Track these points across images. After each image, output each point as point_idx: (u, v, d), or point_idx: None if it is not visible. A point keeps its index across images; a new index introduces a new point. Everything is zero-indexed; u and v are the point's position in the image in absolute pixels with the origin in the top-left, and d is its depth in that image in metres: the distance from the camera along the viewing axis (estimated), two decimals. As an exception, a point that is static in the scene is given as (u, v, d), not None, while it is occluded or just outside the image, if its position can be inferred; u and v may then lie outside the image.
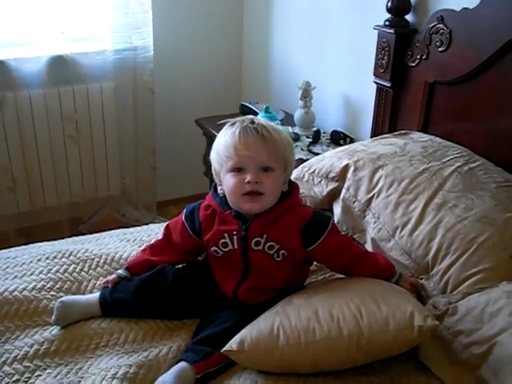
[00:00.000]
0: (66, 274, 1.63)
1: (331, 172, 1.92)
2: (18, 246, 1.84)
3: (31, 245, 1.83)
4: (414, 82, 2.16)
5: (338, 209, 1.89)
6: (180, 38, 3.17)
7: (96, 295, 1.52)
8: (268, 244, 1.45)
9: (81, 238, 1.90)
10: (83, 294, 1.57)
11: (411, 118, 2.20)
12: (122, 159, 3.14)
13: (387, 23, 2.18)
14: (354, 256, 1.49)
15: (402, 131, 2.10)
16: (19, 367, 1.32)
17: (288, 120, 2.77)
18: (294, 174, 1.94)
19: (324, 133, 2.66)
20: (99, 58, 2.89)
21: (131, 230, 1.94)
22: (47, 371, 1.32)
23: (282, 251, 1.45)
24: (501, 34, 1.79)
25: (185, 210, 1.58)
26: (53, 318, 1.44)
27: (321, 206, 1.92)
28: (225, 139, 1.43)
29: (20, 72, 2.72)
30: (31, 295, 1.52)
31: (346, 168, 1.89)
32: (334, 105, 2.73)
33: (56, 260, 1.68)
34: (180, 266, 1.60)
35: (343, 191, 1.87)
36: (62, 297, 1.53)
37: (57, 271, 1.63)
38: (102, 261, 1.69)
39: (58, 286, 1.58)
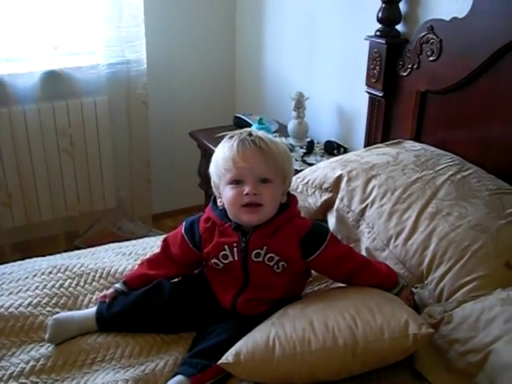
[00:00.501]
0: (62, 289, 1.62)
1: (325, 183, 1.93)
2: (14, 261, 1.84)
3: (27, 260, 1.83)
4: (405, 92, 2.18)
5: (332, 219, 1.89)
6: (173, 51, 3.18)
7: (92, 310, 1.51)
8: (268, 255, 1.45)
9: (76, 252, 1.89)
10: (79, 308, 1.57)
11: (404, 127, 2.21)
12: (116, 172, 3.14)
13: (378, 33, 2.20)
14: (355, 265, 1.50)
15: (395, 140, 2.11)
16: (15, 384, 1.32)
17: (282, 131, 2.78)
18: (288, 185, 1.94)
19: (318, 143, 2.67)
20: (93, 73, 2.90)
21: (126, 243, 1.94)
22: (44, 387, 1.31)
23: (282, 262, 1.46)
24: (490, 42, 1.81)
25: (184, 223, 1.58)
26: (46, 336, 1.44)
27: (315, 216, 1.92)
28: (223, 152, 1.45)
29: (14, 87, 2.72)
30: (27, 311, 1.52)
31: (339, 178, 1.90)
32: (327, 115, 2.74)
33: (52, 275, 1.68)
34: (176, 280, 1.60)
35: (337, 202, 1.88)
36: (57, 312, 1.53)
37: (52, 286, 1.63)
38: (97, 275, 1.69)
39: (53, 302, 1.58)
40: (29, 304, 1.55)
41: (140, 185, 3.22)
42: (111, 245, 1.93)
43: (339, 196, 1.88)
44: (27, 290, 1.61)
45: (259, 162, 1.42)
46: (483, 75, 1.88)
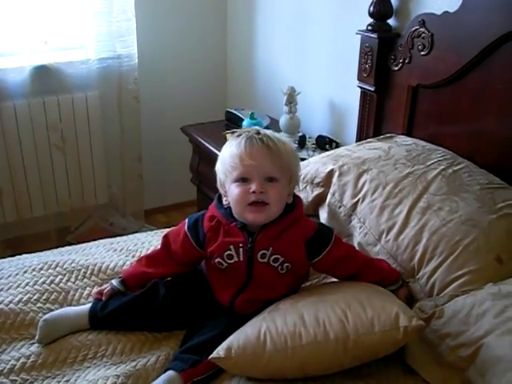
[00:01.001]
0: (53, 285, 1.62)
1: (316, 177, 1.93)
2: (5, 257, 1.83)
3: (17, 256, 1.82)
4: (397, 86, 2.18)
5: (323, 214, 1.89)
6: (164, 45, 3.17)
7: (85, 309, 1.50)
8: (273, 257, 1.45)
9: (67, 248, 1.88)
10: (70, 304, 1.57)
11: (395, 122, 2.21)
12: (108, 168, 3.13)
13: (370, 28, 2.19)
14: (358, 264, 1.51)
15: (387, 135, 2.11)
16: (6, 381, 1.31)
17: (273, 126, 2.76)
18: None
19: (310, 138, 2.67)
20: (83, 67, 2.89)
21: (118, 239, 1.93)
22: (34, 384, 1.31)
23: (286, 264, 1.46)
24: (481, 37, 1.81)
25: (187, 221, 1.55)
26: (36, 337, 1.43)
27: (306, 211, 1.91)
28: (230, 149, 1.44)
29: (4, 82, 2.71)
30: (17, 308, 1.51)
31: (330, 173, 1.90)
32: (319, 110, 2.74)
33: (42, 271, 1.67)
34: (170, 278, 1.58)
35: (329, 196, 1.88)
36: (48, 308, 1.53)
37: (43, 283, 1.62)
38: (88, 271, 1.69)
39: (44, 298, 1.57)
40: (19, 301, 1.54)
41: (132, 180, 3.21)
42: (102, 241, 1.92)
43: (331, 191, 1.88)
44: (18, 286, 1.60)
45: (266, 160, 1.41)
46: (474, 70, 1.88)
